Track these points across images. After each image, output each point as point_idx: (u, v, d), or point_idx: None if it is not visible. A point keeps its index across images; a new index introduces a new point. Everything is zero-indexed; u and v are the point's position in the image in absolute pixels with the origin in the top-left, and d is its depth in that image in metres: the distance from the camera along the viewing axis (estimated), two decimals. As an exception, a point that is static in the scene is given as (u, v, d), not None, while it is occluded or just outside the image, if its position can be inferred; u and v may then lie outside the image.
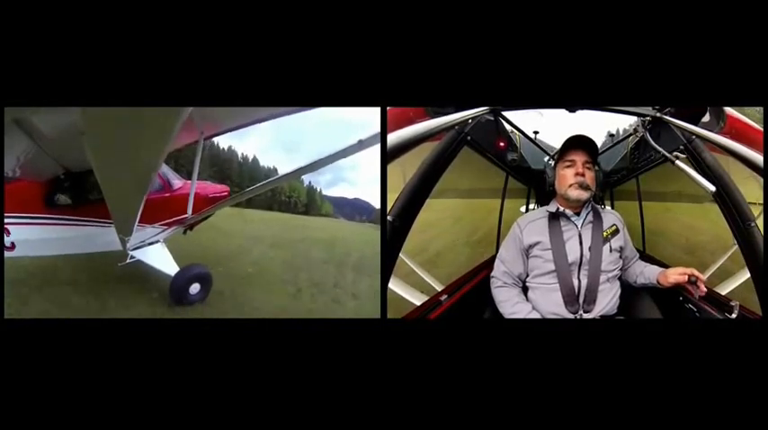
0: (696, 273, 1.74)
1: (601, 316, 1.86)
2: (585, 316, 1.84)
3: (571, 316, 1.84)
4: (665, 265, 2.90)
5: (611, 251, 1.91)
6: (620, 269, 1.98)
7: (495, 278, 2.04)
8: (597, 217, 1.96)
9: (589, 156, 1.91)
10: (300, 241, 10.40)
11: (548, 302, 1.87)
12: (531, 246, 1.93)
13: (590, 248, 1.88)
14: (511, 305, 1.88)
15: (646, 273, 1.97)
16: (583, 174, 1.88)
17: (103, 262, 5.10)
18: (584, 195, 1.88)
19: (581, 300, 1.85)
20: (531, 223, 1.97)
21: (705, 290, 1.72)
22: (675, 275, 1.80)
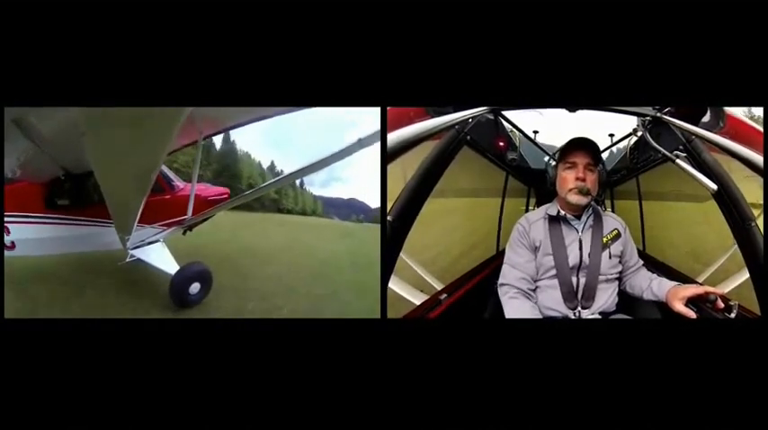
0: (710, 289, 1.63)
1: (599, 313, 1.86)
2: (584, 312, 1.84)
3: (570, 312, 1.84)
4: (665, 266, 2.92)
5: (610, 257, 1.89)
6: (620, 272, 1.96)
7: (507, 286, 1.89)
8: (598, 220, 1.94)
9: (591, 157, 1.88)
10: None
11: (547, 300, 1.87)
12: (536, 247, 1.91)
13: (589, 254, 1.87)
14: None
15: (654, 290, 1.85)
16: (584, 179, 1.85)
17: (104, 261, 5.12)
18: (584, 200, 1.86)
19: (579, 296, 1.85)
20: (533, 223, 1.96)
21: (722, 305, 1.63)
22: (690, 299, 1.65)
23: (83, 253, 4.59)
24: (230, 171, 34.10)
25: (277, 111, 4.14)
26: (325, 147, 3.09)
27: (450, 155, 2.10)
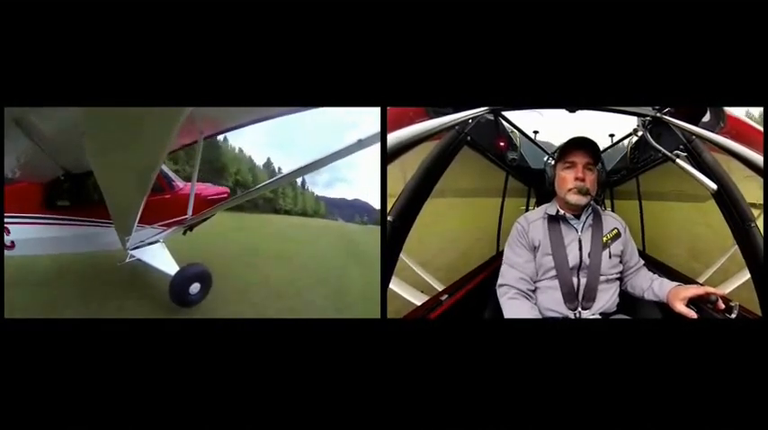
0: (711, 290, 1.63)
1: (600, 313, 1.86)
2: (584, 313, 1.84)
3: (570, 312, 1.84)
4: (665, 266, 2.92)
5: (610, 257, 1.89)
6: (620, 272, 1.96)
7: (506, 286, 1.88)
8: (597, 220, 1.94)
9: (591, 157, 1.88)
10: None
11: (547, 301, 1.86)
12: (535, 247, 1.90)
13: (589, 254, 1.86)
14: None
15: (655, 290, 1.84)
16: (583, 179, 1.85)
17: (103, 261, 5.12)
18: (584, 201, 1.86)
19: (580, 297, 1.85)
20: (532, 223, 1.95)
21: (723, 306, 1.63)
22: (690, 299, 1.65)
23: (82, 253, 4.59)
24: (213, 166, 31.16)
25: (279, 111, 4.13)
26: (327, 148, 3.08)
27: (451, 155, 2.10)
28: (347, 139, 2.71)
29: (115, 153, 2.29)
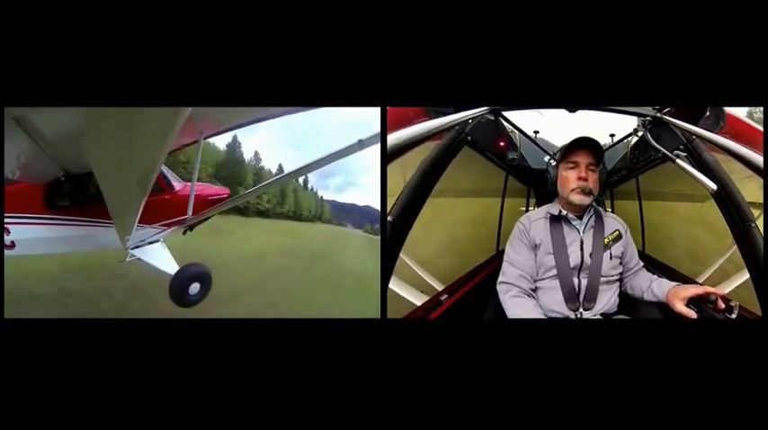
0: (711, 289, 1.63)
1: (601, 314, 1.86)
2: (586, 314, 1.84)
3: (572, 313, 1.84)
4: (665, 267, 2.92)
5: (611, 258, 1.88)
6: (620, 274, 1.95)
7: (507, 284, 1.87)
8: (599, 221, 1.94)
9: (593, 157, 1.87)
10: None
11: (549, 301, 1.86)
12: (536, 246, 1.90)
13: (591, 255, 1.86)
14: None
15: (654, 290, 1.83)
16: (586, 178, 1.84)
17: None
18: (587, 200, 1.85)
19: (581, 298, 1.85)
20: (534, 222, 1.95)
21: (723, 305, 1.62)
22: (690, 299, 1.64)
23: (83, 252, 4.59)
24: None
25: (280, 111, 4.14)
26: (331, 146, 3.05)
27: (451, 155, 2.10)
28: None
29: (115, 153, 2.29)
